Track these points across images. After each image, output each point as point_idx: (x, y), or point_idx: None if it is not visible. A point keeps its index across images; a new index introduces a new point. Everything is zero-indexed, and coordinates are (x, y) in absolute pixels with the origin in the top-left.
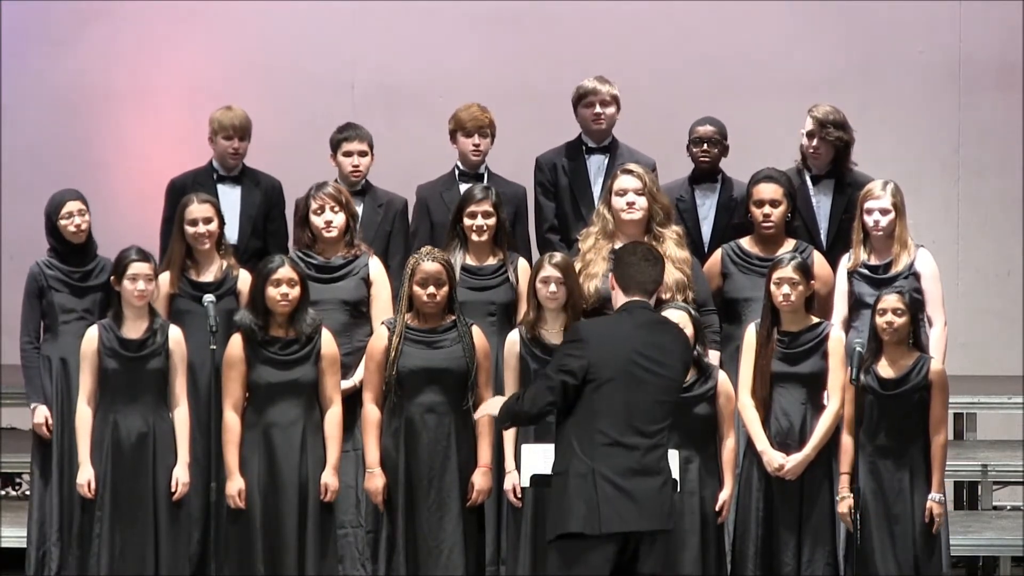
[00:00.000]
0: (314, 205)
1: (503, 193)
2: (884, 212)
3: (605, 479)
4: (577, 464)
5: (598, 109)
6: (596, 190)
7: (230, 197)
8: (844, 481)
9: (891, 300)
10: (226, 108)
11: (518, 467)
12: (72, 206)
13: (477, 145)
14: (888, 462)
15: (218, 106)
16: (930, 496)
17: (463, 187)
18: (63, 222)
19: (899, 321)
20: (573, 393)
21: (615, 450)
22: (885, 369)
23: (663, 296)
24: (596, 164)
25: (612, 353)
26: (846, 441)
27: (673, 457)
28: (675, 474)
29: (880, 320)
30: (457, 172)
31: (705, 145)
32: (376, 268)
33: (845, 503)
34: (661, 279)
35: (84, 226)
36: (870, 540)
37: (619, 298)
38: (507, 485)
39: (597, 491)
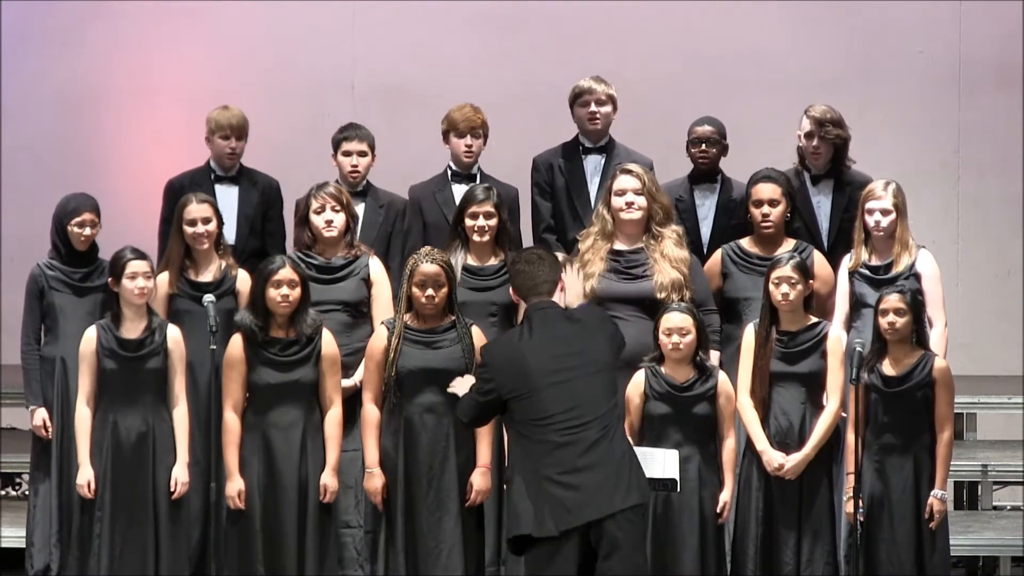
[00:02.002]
0: (315, 205)
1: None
2: (885, 213)
3: (550, 480)
4: (523, 469)
5: (593, 108)
6: (593, 190)
7: (228, 197)
8: (850, 481)
9: (893, 300)
10: (223, 107)
11: None
12: (87, 216)
13: (469, 146)
14: (893, 460)
15: (217, 106)
16: (932, 492)
17: (456, 187)
18: (75, 229)
19: (901, 321)
20: (497, 408)
21: (556, 452)
22: (888, 367)
23: (659, 296)
24: (593, 164)
25: (517, 372)
26: (850, 440)
27: (673, 457)
28: (675, 474)
29: (883, 320)
30: (450, 173)
31: (704, 145)
32: (376, 268)
33: (851, 502)
34: (555, 275)
35: (93, 237)
36: (875, 538)
37: (522, 307)
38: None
39: (543, 493)
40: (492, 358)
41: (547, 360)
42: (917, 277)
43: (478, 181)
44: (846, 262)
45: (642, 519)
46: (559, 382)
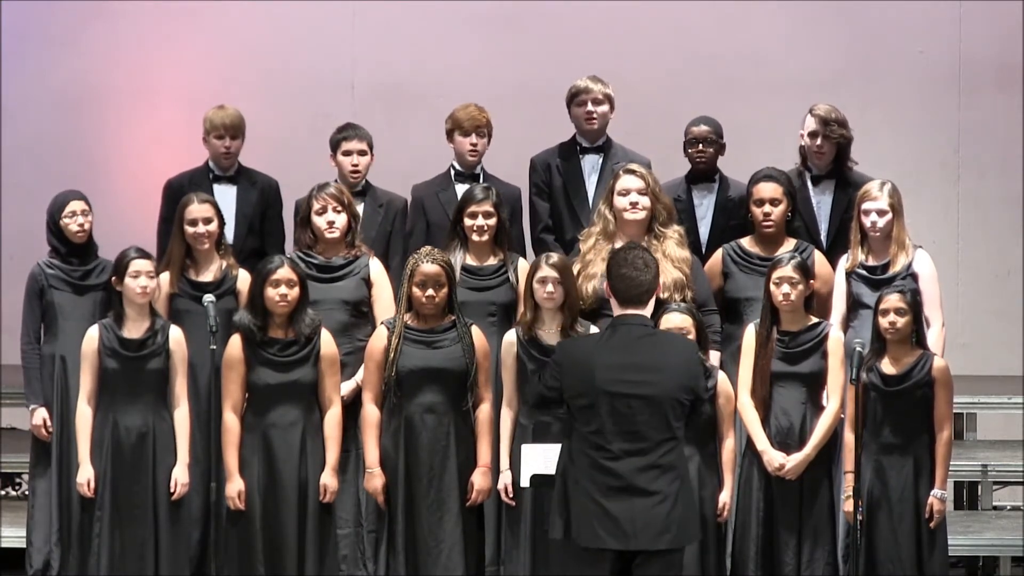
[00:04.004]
0: (316, 206)
1: (499, 193)
2: (881, 213)
3: (587, 495)
4: (567, 472)
5: (590, 107)
6: (590, 190)
7: (226, 197)
8: (849, 479)
9: (893, 300)
10: (218, 107)
11: (513, 467)
12: (76, 206)
13: (474, 145)
14: (893, 459)
15: (214, 106)
16: (932, 492)
17: (459, 187)
18: (66, 221)
19: (902, 321)
20: (556, 404)
21: (597, 470)
22: (888, 366)
23: (662, 296)
24: (590, 164)
25: (585, 379)
26: (848, 439)
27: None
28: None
29: (883, 320)
30: (453, 172)
31: (700, 145)
32: (376, 269)
33: (850, 501)
34: (655, 285)
35: (87, 226)
36: (874, 538)
37: (615, 308)
38: (500, 484)
39: (577, 505)
40: (563, 356)
41: (613, 375)
42: (914, 277)
43: (481, 181)
44: (843, 262)
45: (675, 563)
46: (618, 403)
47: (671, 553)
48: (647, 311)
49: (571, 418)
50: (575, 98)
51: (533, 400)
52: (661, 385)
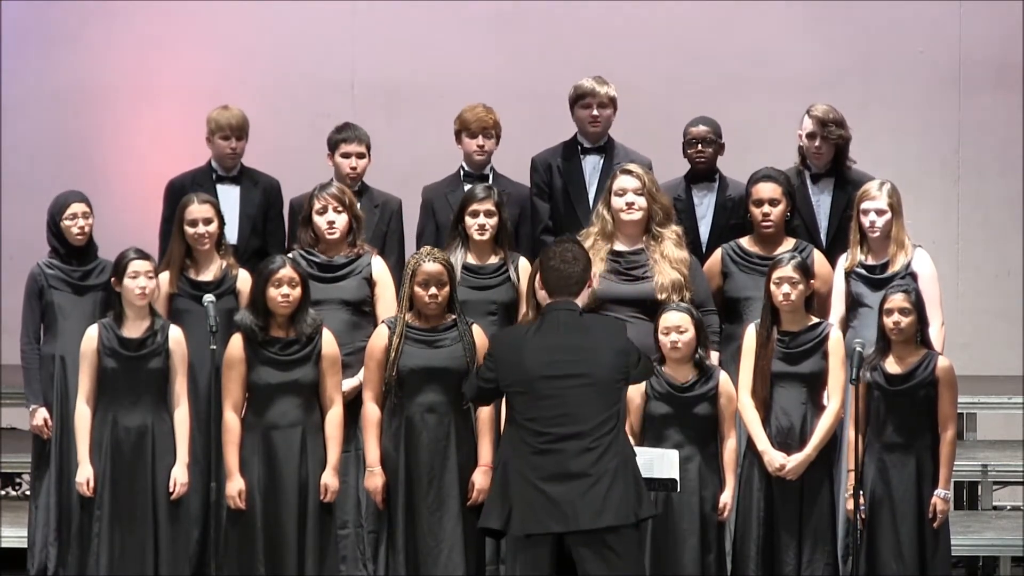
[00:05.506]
0: (317, 205)
1: (508, 194)
2: (880, 213)
3: (527, 481)
4: (506, 462)
5: (595, 112)
6: (591, 190)
7: (229, 197)
8: (851, 479)
9: (898, 299)
10: (223, 108)
11: None
12: (77, 208)
13: (482, 146)
14: (896, 459)
15: (217, 106)
16: (936, 492)
17: (468, 188)
18: (67, 223)
19: (906, 320)
20: (495, 395)
21: (536, 456)
22: (892, 365)
23: (660, 297)
24: (591, 164)
25: (518, 368)
26: (851, 439)
27: (673, 457)
28: (675, 474)
29: (887, 320)
30: (462, 173)
31: (699, 145)
32: (379, 268)
33: (852, 500)
34: (585, 277)
35: (87, 229)
36: (876, 537)
37: (545, 300)
38: None
39: (516, 492)
40: (496, 347)
41: (543, 362)
42: (914, 277)
43: (491, 181)
44: (842, 262)
45: (624, 541)
46: (551, 387)
47: (618, 530)
48: (579, 301)
49: (509, 408)
50: (579, 100)
51: (471, 394)
52: (591, 364)
